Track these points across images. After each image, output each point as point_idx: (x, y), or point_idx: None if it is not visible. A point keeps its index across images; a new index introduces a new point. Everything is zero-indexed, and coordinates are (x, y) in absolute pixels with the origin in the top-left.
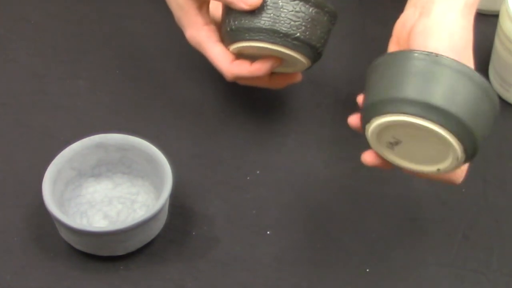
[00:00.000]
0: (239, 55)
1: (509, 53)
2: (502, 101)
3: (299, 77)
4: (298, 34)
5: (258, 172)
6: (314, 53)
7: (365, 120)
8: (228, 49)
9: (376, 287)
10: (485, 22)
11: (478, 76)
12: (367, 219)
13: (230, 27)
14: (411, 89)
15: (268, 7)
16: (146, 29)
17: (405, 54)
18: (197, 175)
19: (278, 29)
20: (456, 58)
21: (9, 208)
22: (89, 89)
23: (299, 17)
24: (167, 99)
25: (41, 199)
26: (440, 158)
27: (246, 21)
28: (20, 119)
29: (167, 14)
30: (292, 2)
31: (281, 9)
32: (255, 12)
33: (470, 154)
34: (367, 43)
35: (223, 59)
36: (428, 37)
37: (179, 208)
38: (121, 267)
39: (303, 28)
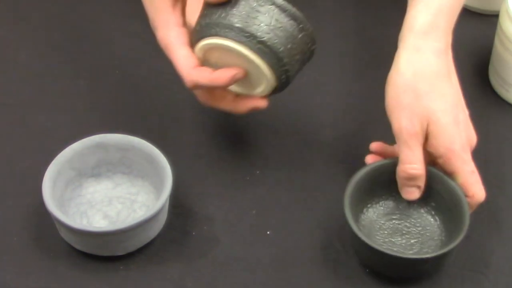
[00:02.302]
0: (204, 62)
1: (509, 53)
2: (502, 101)
3: (264, 103)
4: (265, 38)
5: (258, 172)
6: (280, 68)
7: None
8: (194, 51)
9: (376, 287)
10: (485, 22)
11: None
12: None
13: (200, 23)
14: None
15: (242, 6)
16: (146, 29)
17: None
18: (197, 175)
19: (247, 28)
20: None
21: (9, 208)
22: (89, 89)
23: (271, 23)
24: (167, 99)
25: (41, 199)
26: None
27: (217, 16)
28: (20, 119)
29: None
30: (268, 6)
31: (255, 11)
32: (228, 9)
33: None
34: (367, 43)
35: (185, 63)
36: None
37: (179, 208)
38: (121, 267)
39: (272, 34)
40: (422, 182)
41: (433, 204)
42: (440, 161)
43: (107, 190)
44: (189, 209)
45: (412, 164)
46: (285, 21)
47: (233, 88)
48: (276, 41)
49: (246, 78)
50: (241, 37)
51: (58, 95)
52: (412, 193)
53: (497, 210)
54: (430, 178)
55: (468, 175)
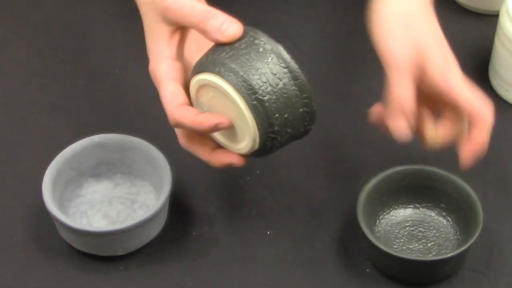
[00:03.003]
0: (195, 99)
1: (509, 53)
2: (502, 101)
3: (241, 161)
4: (265, 98)
5: (258, 172)
6: (269, 133)
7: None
8: (190, 82)
9: (376, 287)
10: (485, 22)
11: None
12: None
13: (207, 56)
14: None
15: (254, 55)
16: None
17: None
18: (197, 175)
19: (251, 81)
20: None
21: (9, 208)
22: (89, 89)
23: (277, 85)
24: None
25: (41, 199)
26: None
27: (225, 55)
28: (20, 119)
29: None
30: (281, 67)
31: (266, 66)
32: (240, 53)
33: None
34: (368, 43)
35: (171, 99)
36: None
37: (179, 208)
38: (121, 267)
39: (274, 97)
40: (411, 115)
41: (443, 205)
42: (438, 92)
43: (107, 190)
44: (189, 209)
45: (402, 91)
46: (291, 89)
47: (215, 135)
48: (274, 105)
49: (231, 130)
50: (241, 87)
51: (58, 95)
52: (400, 126)
53: (497, 210)
54: (436, 180)
55: (474, 101)
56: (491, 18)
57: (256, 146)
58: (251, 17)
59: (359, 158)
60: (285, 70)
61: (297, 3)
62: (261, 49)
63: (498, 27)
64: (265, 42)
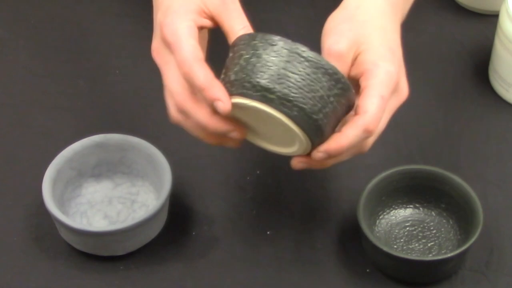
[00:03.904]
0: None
1: (509, 53)
2: (502, 101)
3: (240, 135)
4: (306, 105)
5: (258, 172)
6: (313, 128)
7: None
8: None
9: (376, 287)
10: (485, 22)
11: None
12: None
13: (237, 74)
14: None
15: (284, 63)
16: (146, 29)
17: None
18: (197, 175)
19: (288, 95)
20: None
21: (9, 208)
22: (89, 89)
23: (305, 81)
24: None
25: (41, 199)
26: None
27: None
28: (20, 119)
29: None
30: (302, 64)
31: (292, 69)
32: (266, 66)
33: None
34: None
35: (194, 52)
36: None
37: (179, 208)
38: (121, 267)
39: (310, 95)
40: None
41: (443, 205)
42: (359, 78)
43: (107, 190)
44: (189, 209)
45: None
46: (320, 79)
47: (259, 141)
48: (311, 102)
49: (276, 136)
50: (280, 105)
51: (58, 95)
52: None
53: (497, 210)
54: (436, 180)
55: (377, 98)
56: (491, 18)
57: (307, 143)
58: (251, 17)
59: (359, 158)
60: (307, 64)
61: (297, 3)
62: (275, 47)
63: (498, 27)
64: (280, 40)
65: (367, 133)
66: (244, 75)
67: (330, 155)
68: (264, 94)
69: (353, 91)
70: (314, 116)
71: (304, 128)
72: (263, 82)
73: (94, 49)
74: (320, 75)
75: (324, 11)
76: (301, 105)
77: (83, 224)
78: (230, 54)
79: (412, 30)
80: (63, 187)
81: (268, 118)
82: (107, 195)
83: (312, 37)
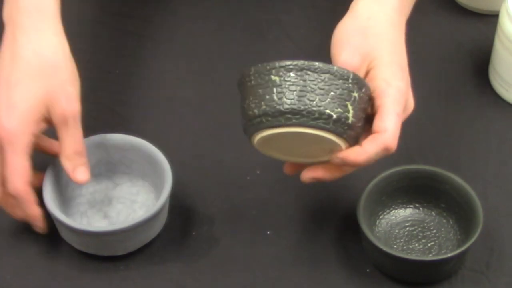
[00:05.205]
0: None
1: (509, 53)
2: (502, 101)
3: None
4: (334, 116)
5: (258, 172)
6: (344, 129)
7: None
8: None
9: (376, 287)
10: (485, 22)
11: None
12: None
13: (261, 109)
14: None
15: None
16: (146, 29)
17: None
18: (197, 175)
19: (315, 110)
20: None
21: None
22: (89, 89)
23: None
24: (167, 99)
25: (41, 199)
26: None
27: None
28: None
29: (167, 14)
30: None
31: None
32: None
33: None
34: None
35: (24, 174)
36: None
37: (179, 208)
38: (121, 267)
39: (334, 103)
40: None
41: (443, 205)
42: (373, 94)
43: (107, 190)
44: (189, 209)
45: None
46: (337, 85)
47: (297, 159)
48: (338, 109)
49: (308, 150)
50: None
51: None
52: None
53: (497, 210)
54: (436, 180)
55: (393, 116)
56: (491, 18)
57: (344, 145)
58: (251, 17)
59: None
60: (325, 75)
61: (297, 3)
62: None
63: (498, 27)
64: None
65: (387, 151)
66: (265, 107)
67: (346, 164)
68: (290, 116)
69: (368, 84)
70: (343, 119)
71: (337, 133)
72: (287, 106)
73: (94, 49)
74: (335, 81)
75: (324, 11)
76: (328, 112)
77: (83, 224)
78: (242, 91)
79: (412, 30)
80: (63, 187)
81: (300, 137)
82: (107, 195)
83: (312, 37)
